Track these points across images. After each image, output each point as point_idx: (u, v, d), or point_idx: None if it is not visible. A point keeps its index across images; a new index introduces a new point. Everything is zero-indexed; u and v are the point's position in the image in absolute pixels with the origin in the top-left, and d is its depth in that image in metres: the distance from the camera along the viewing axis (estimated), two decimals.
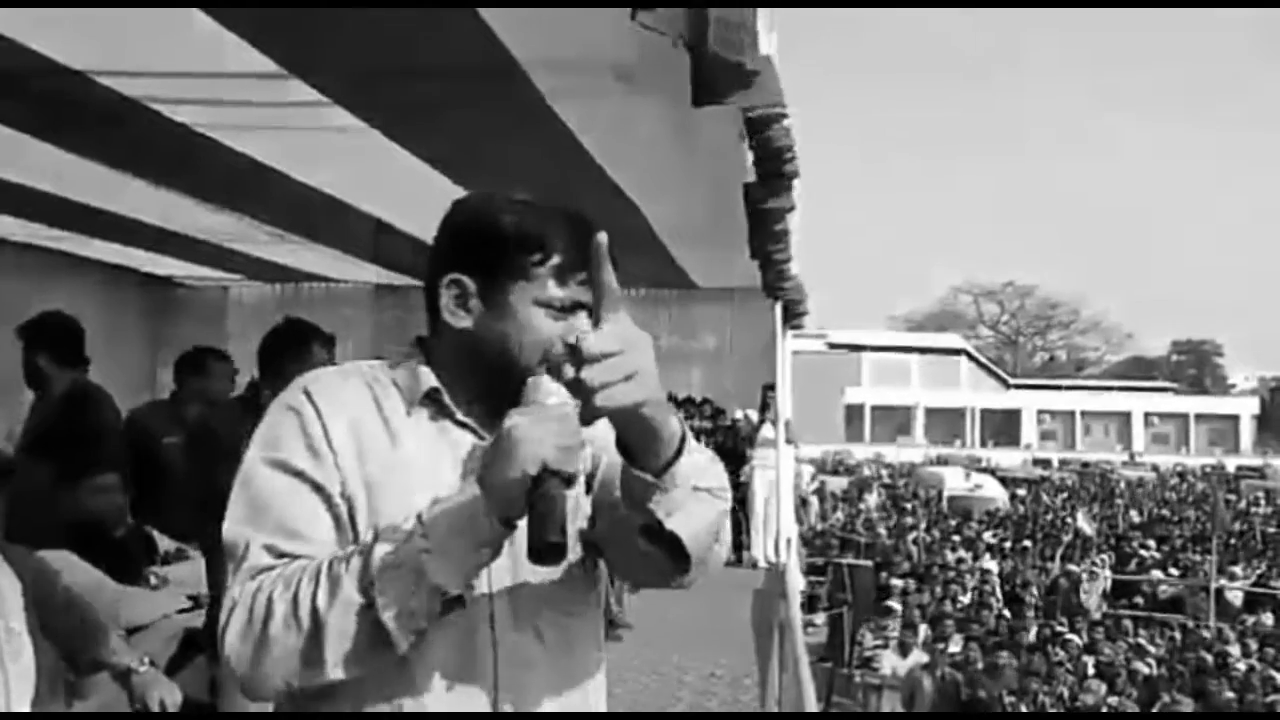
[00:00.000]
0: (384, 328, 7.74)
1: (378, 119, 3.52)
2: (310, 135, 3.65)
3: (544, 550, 1.05)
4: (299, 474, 1.17)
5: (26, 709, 1.47)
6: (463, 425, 1.24)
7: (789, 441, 7.65)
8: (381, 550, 1.08)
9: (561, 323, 1.22)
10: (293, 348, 2.81)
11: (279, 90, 3.16)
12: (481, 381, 1.24)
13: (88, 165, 4.11)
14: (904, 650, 9.85)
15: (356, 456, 1.19)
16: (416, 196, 4.18)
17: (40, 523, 2.29)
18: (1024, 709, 8.76)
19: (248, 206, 5.05)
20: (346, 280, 7.93)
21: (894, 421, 52.81)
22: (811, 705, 3.07)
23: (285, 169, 4.17)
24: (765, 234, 4.16)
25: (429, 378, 1.24)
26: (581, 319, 1.22)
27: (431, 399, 1.24)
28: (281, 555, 1.14)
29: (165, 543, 3.37)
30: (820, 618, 11.90)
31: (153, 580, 2.59)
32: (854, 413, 50.80)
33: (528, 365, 1.19)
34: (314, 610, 1.08)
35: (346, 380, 1.25)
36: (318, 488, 1.17)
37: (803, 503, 20.65)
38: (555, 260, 1.22)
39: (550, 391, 1.11)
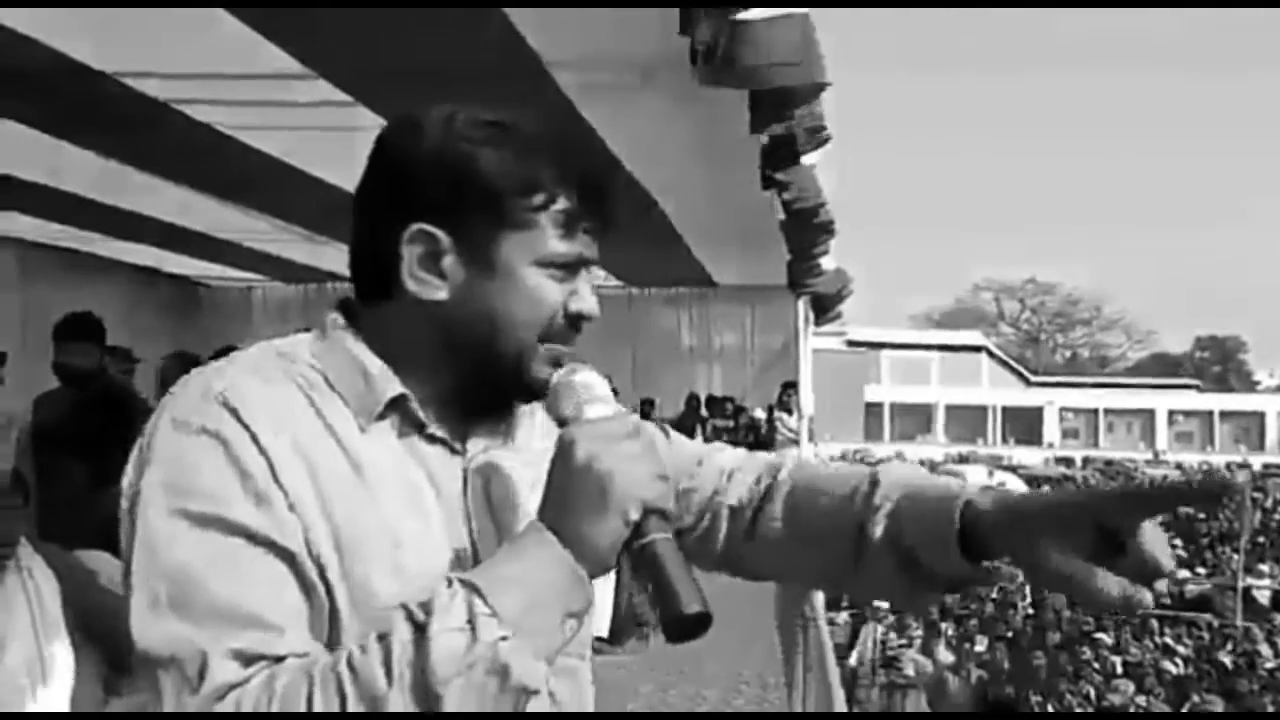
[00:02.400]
0: None
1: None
2: (335, 135, 3.66)
3: (688, 623, 0.78)
4: (244, 531, 0.80)
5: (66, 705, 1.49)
6: (434, 440, 0.92)
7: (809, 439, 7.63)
8: (442, 648, 0.74)
9: (565, 285, 0.91)
10: None
11: (304, 91, 3.18)
12: (454, 372, 0.92)
13: (113, 166, 4.14)
14: (928, 650, 9.82)
15: (314, 494, 0.83)
16: None
17: (73, 523, 2.31)
18: (1051, 709, 8.70)
19: (273, 207, 5.08)
20: None
21: (914, 419, 52.60)
22: (840, 704, 3.06)
23: (310, 169, 4.19)
24: (805, 227, 4.18)
25: (388, 380, 0.90)
26: (582, 279, 0.93)
27: (395, 408, 0.90)
28: (253, 659, 0.78)
29: None
30: (842, 616, 11.87)
31: None
32: (874, 411, 50.60)
33: (525, 346, 0.90)
34: None
35: (270, 382, 0.87)
36: (274, 548, 0.81)
37: None
38: (560, 204, 0.89)
39: (598, 391, 0.88)
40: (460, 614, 0.76)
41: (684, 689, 4.51)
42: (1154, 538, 0.80)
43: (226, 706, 0.76)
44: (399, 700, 0.74)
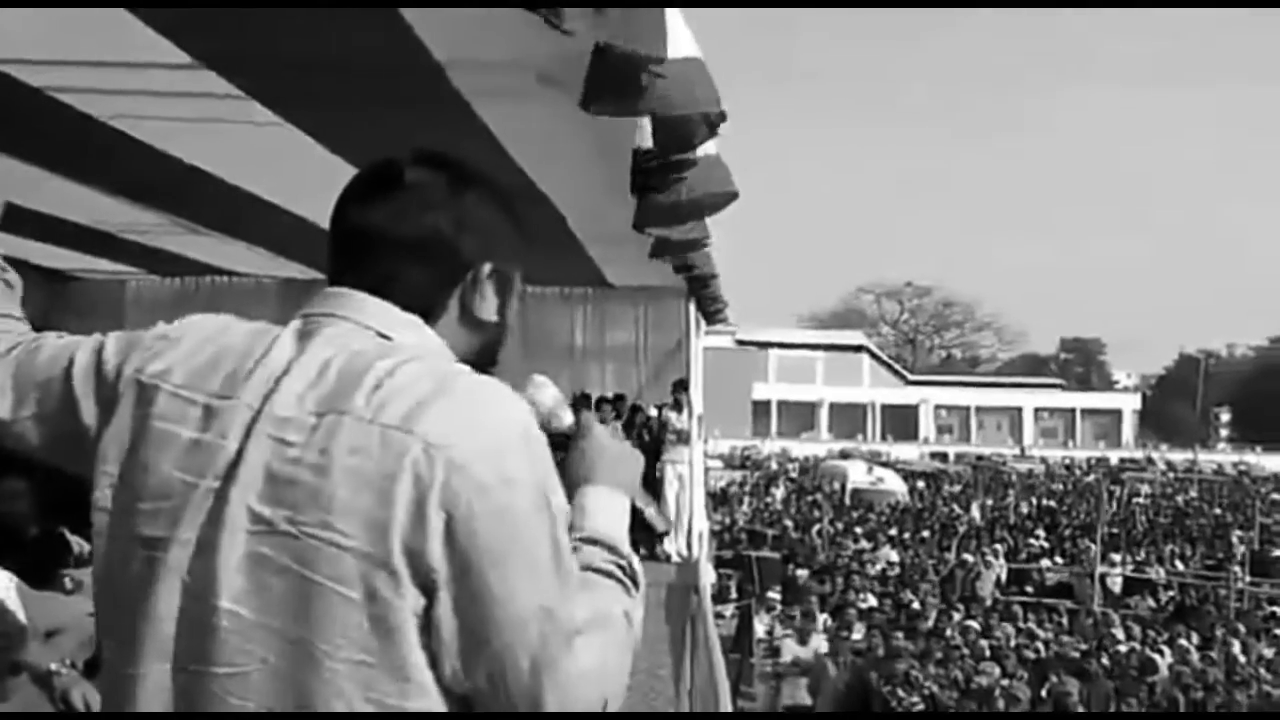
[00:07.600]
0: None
1: (293, 114, 3.48)
2: (221, 127, 3.58)
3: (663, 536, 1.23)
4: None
5: None
6: None
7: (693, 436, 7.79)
8: (637, 568, 1.17)
9: None
10: None
11: (192, 82, 3.11)
12: None
13: None
14: (803, 638, 10.13)
15: None
16: (332, 191, 4.14)
17: None
18: (922, 694, 9.11)
19: (157, 201, 4.92)
20: (251, 274, 7.74)
21: (800, 416, 53.94)
22: (725, 696, 3.18)
23: (194, 161, 4.08)
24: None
25: None
26: None
27: None
28: None
29: (79, 545, 3.27)
30: (729, 609, 12.14)
31: (68, 584, 2.51)
32: (761, 408, 51.64)
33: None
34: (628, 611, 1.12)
35: None
36: None
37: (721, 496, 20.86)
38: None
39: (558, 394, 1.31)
40: (602, 540, 1.14)
41: None
42: None
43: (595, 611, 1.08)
44: (639, 603, 1.14)
